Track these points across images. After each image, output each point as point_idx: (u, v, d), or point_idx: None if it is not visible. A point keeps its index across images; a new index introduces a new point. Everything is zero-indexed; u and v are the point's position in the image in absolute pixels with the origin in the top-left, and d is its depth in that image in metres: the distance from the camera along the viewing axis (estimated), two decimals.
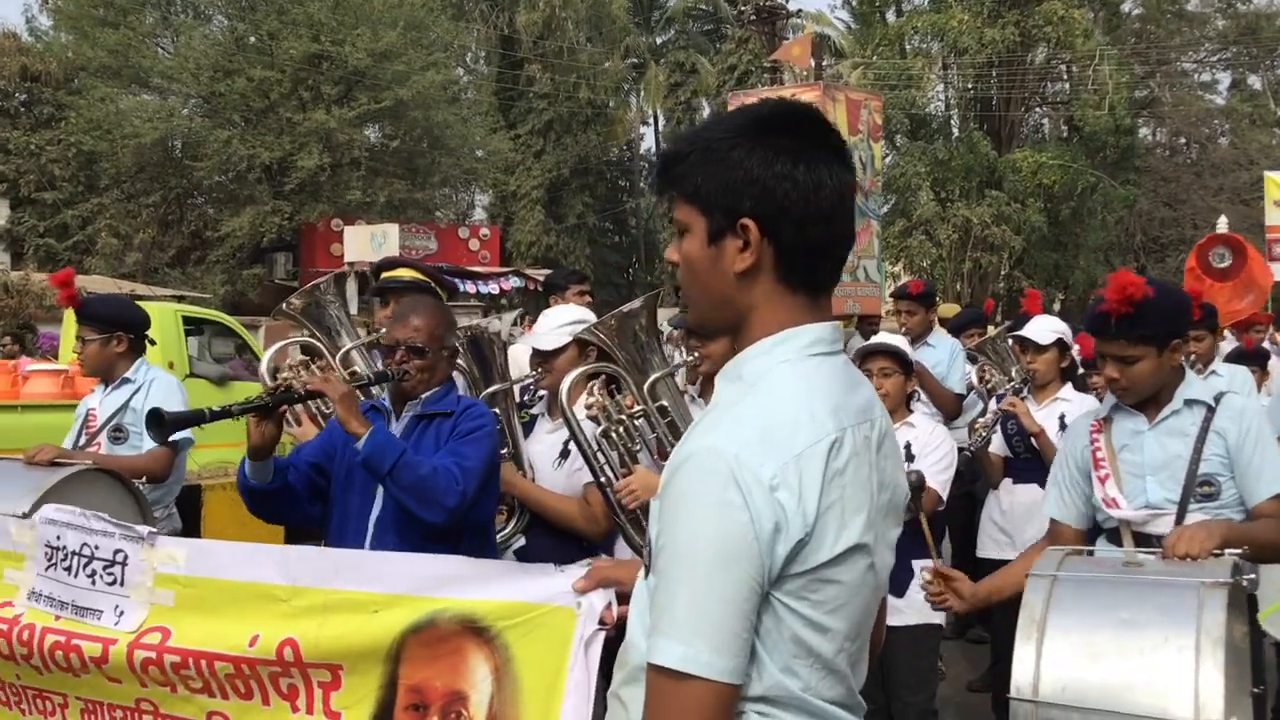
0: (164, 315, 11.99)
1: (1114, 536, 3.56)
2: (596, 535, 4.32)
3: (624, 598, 2.45)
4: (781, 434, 1.71)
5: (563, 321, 4.42)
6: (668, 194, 1.90)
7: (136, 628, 2.93)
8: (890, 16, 37.02)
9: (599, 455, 4.04)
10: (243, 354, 13.66)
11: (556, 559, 3.64)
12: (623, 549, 4.45)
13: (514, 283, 29.44)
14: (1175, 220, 39.80)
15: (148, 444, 4.94)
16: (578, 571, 2.53)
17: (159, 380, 5.12)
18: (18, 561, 3.21)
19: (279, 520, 3.91)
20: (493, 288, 28.94)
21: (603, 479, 4.03)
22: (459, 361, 4.18)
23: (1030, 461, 5.81)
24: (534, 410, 4.74)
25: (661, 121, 50.29)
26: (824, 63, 30.90)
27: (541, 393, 4.66)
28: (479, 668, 2.53)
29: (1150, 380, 3.43)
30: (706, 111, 47.36)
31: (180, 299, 23.37)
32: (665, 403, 4.10)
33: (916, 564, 4.86)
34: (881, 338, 5.28)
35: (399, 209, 32.51)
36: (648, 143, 55.03)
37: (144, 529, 3.07)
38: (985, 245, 31.14)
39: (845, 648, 1.79)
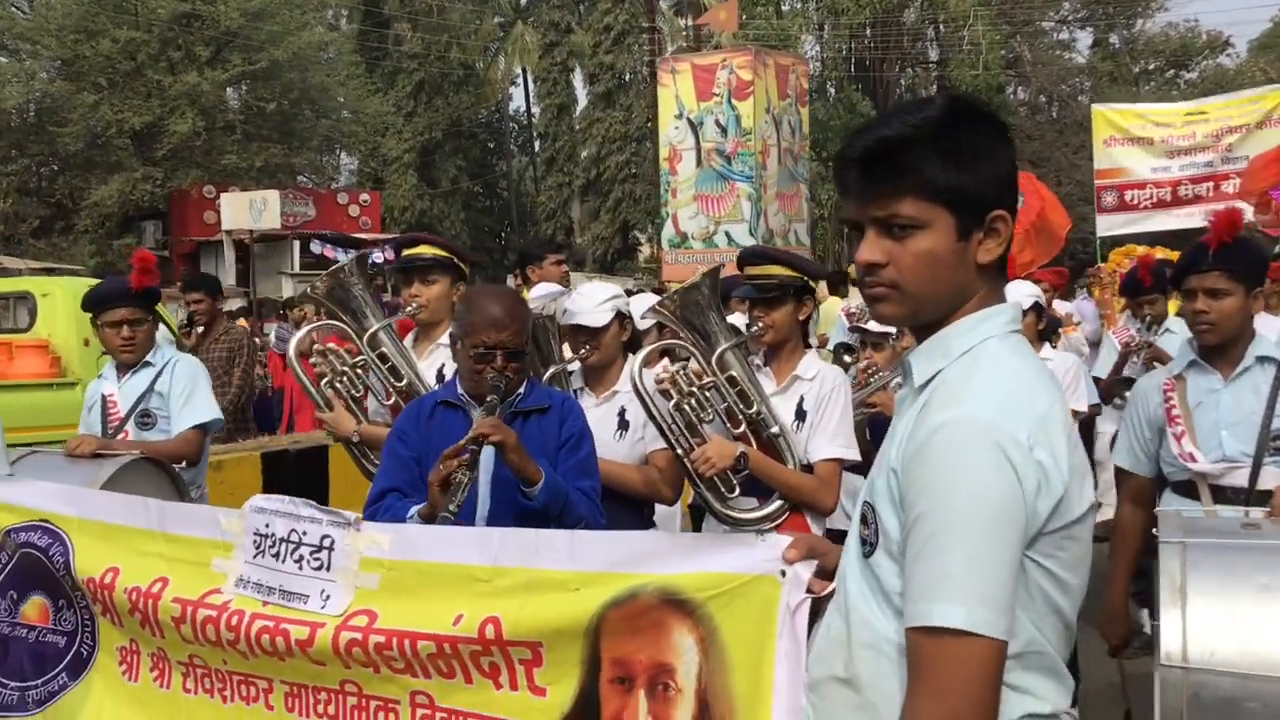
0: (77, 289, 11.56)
1: (1183, 489, 3.78)
2: (664, 500, 4.46)
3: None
4: (1022, 399, 1.79)
5: (603, 298, 4.47)
6: (879, 190, 1.88)
7: (343, 611, 2.95)
8: None
9: (674, 427, 4.11)
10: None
11: (621, 526, 3.75)
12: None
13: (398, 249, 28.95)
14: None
15: (177, 427, 4.86)
16: (782, 540, 2.54)
17: (181, 362, 5.02)
18: (226, 550, 3.19)
19: None
20: (377, 256, 28.39)
21: (679, 450, 4.10)
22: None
23: None
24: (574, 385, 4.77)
25: (533, 83, 49.83)
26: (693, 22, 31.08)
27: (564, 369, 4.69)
28: (683, 639, 2.56)
29: (1235, 319, 3.63)
30: (579, 76, 47.17)
31: (49, 271, 22.44)
32: (734, 372, 4.19)
33: None
34: None
35: (274, 174, 31.68)
36: (516, 103, 54.58)
37: (351, 515, 3.07)
38: None
39: (1077, 605, 1.89)
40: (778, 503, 4.16)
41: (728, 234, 13.29)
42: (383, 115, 36.56)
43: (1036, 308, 6.17)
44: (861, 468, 5.04)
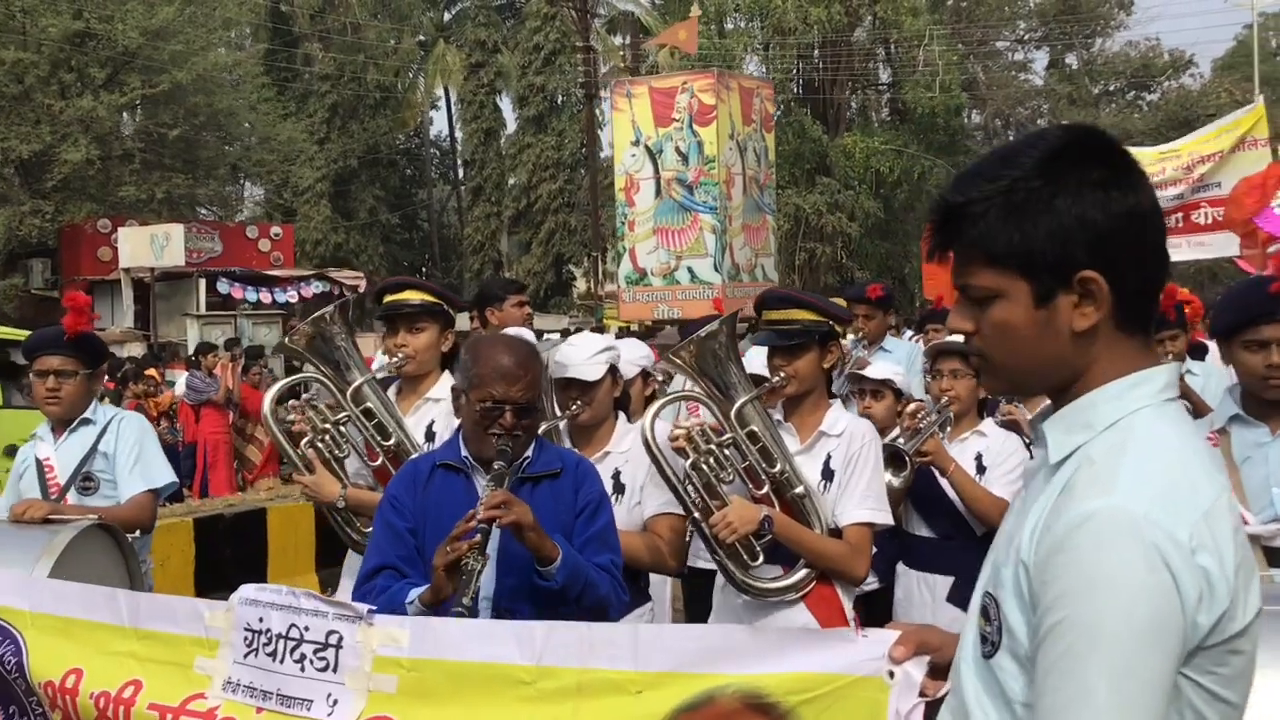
0: None
1: None
2: (669, 571, 4.38)
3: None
4: (1184, 489, 1.67)
5: (595, 349, 4.40)
6: (956, 254, 1.84)
7: (354, 718, 2.80)
8: None
9: (689, 489, 4.02)
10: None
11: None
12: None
13: (316, 288, 28.57)
14: None
15: (126, 492, 4.70)
16: (887, 635, 2.42)
17: (127, 420, 4.84)
18: (211, 649, 3.03)
19: None
20: (291, 295, 28.03)
21: (696, 513, 4.01)
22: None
23: None
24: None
25: (456, 106, 49.80)
26: (630, 41, 31.29)
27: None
28: None
29: None
30: (507, 98, 47.23)
31: None
32: (755, 427, 4.11)
33: None
34: (955, 336, 5.38)
35: (176, 206, 31.26)
36: (438, 128, 54.51)
37: (363, 607, 2.92)
38: (818, 234, 32.07)
39: None
40: (803, 571, 4.08)
41: (690, 270, 13.25)
42: (294, 141, 36.27)
43: None
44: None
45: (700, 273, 13.16)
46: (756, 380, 4.27)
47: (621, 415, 4.54)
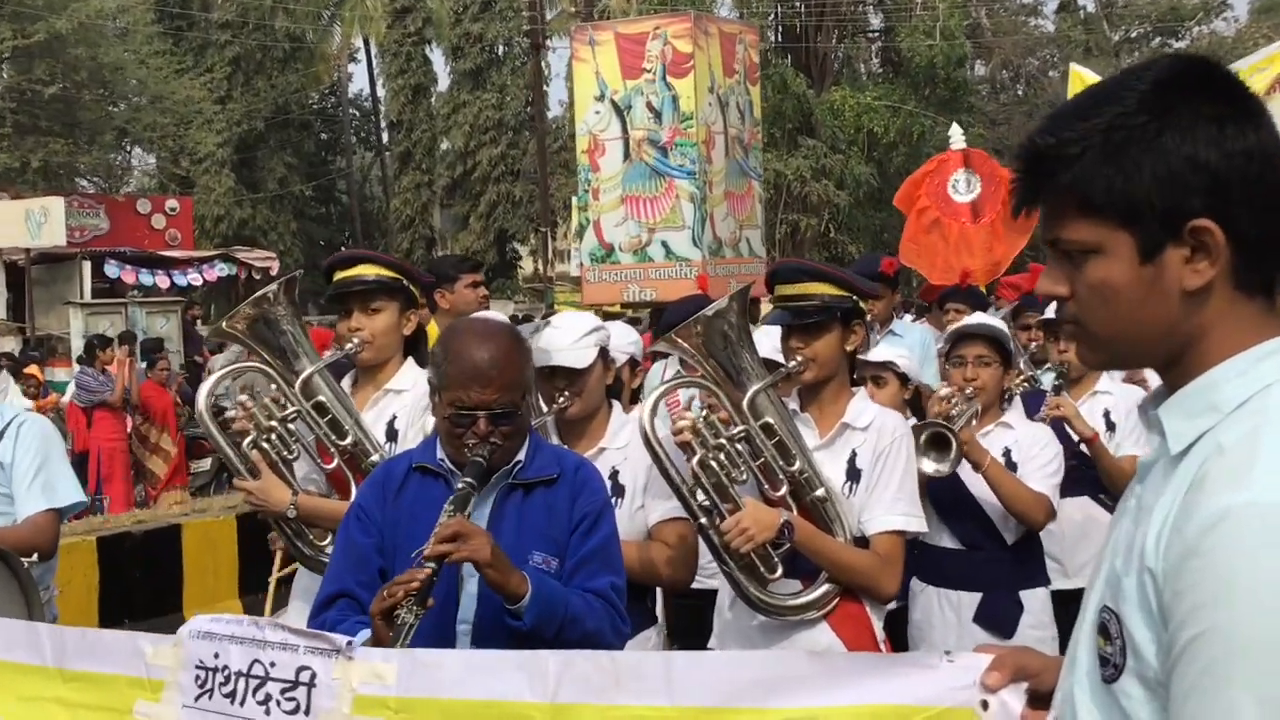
0: None
1: None
2: (677, 586, 4.36)
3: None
4: None
5: (583, 331, 4.38)
6: (1046, 206, 1.83)
7: None
8: None
9: (696, 491, 4.01)
10: None
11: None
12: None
13: (220, 270, 28.42)
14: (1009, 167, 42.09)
15: (24, 510, 4.62)
16: (978, 660, 2.37)
17: (28, 424, 4.75)
18: (154, 691, 2.96)
19: None
20: (193, 277, 27.86)
21: (703, 519, 4.00)
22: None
23: (1076, 470, 6.06)
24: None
25: (379, 59, 49.59)
26: None
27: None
28: None
29: None
30: (438, 49, 47.05)
31: None
32: (770, 419, 4.11)
33: (1028, 596, 5.04)
34: (978, 319, 5.40)
35: (54, 177, 30.97)
36: (358, 85, 54.22)
37: (340, 638, 2.86)
38: (802, 204, 32.08)
39: None
40: (825, 586, 4.09)
41: (665, 244, 13.16)
42: (191, 101, 36.04)
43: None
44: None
45: (676, 247, 13.06)
46: (768, 366, 4.26)
47: (616, 405, 4.53)
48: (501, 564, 3.20)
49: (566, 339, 4.34)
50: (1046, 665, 2.30)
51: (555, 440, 4.42)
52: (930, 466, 4.75)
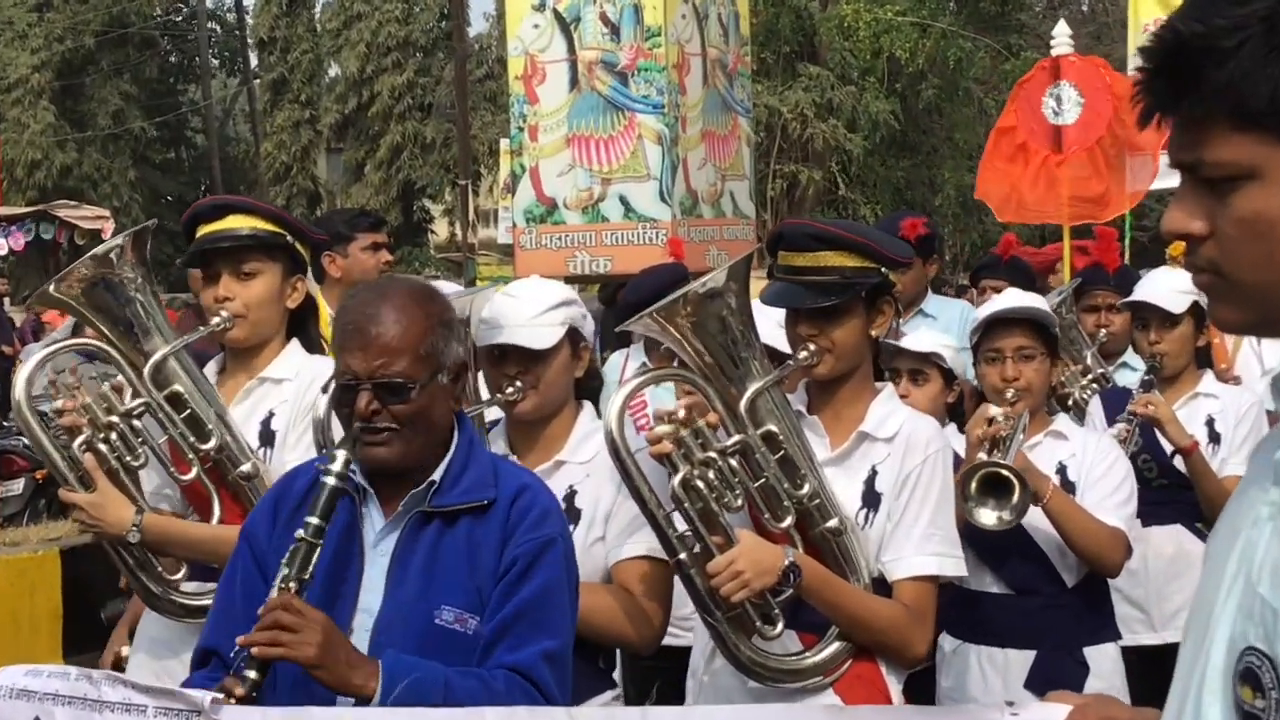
0: None
1: None
2: (643, 643, 4.31)
3: None
4: None
5: (548, 305, 4.39)
6: (1183, 118, 1.85)
7: None
8: None
9: (673, 520, 4.02)
10: None
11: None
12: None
13: (35, 232, 28.44)
14: None
15: None
16: (1051, 712, 2.50)
17: None
18: None
19: None
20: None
21: (683, 555, 4.00)
22: None
23: (1167, 491, 6.10)
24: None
25: None
26: None
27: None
28: None
29: None
30: None
31: None
32: (773, 427, 4.13)
33: (1094, 653, 5.08)
34: (1014, 298, 5.42)
35: None
36: None
37: (201, 695, 2.94)
38: (802, 151, 32.09)
39: None
40: (837, 644, 4.12)
41: (623, 199, 13.01)
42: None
43: (1195, 310, 6.09)
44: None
45: (639, 204, 12.83)
46: (772, 356, 4.28)
47: (588, 407, 4.55)
48: (333, 663, 3.21)
49: (524, 312, 4.35)
50: (1133, 718, 2.39)
51: (501, 445, 4.44)
52: (990, 517, 4.76)
